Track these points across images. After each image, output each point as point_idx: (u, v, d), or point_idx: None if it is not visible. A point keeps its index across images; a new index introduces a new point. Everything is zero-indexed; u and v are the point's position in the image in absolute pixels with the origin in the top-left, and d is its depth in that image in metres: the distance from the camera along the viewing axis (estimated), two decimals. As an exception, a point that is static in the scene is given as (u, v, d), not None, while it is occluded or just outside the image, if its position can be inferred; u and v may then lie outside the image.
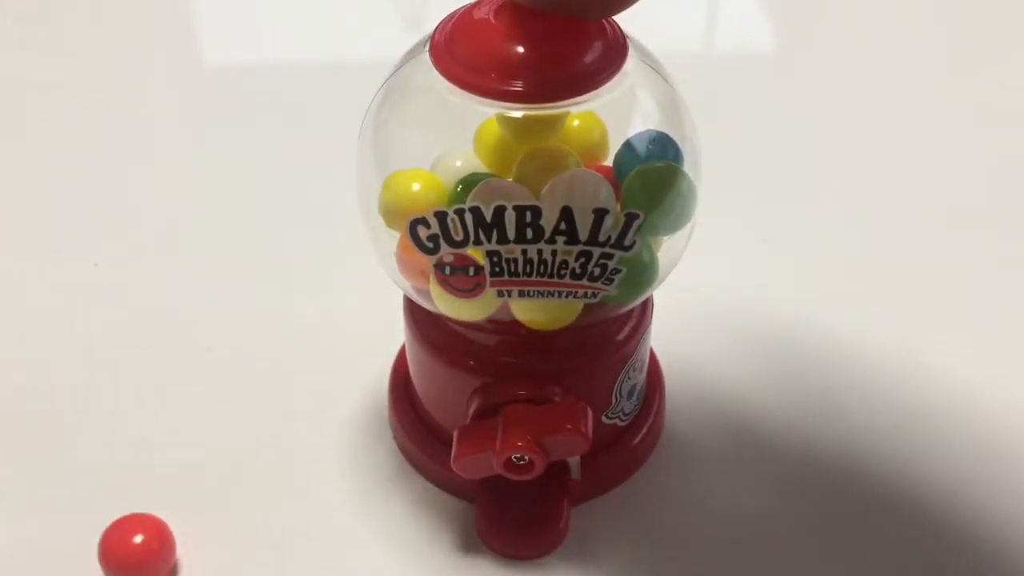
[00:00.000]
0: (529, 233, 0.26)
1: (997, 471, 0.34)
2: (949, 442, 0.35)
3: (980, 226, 0.44)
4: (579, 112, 0.29)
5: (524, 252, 0.26)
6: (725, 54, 0.58)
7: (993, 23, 0.57)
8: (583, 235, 0.26)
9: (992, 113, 0.51)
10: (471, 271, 0.27)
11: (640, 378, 0.33)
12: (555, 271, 0.27)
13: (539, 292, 0.27)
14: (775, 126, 0.50)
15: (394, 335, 0.34)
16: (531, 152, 0.28)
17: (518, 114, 0.27)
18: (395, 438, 0.35)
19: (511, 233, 0.26)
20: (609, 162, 0.30)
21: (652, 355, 0.36)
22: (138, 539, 0.30)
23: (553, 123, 0.28)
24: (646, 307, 0.32)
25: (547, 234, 0.26)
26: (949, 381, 0.37)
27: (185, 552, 0.32)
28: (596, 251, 0.26)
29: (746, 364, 0.38)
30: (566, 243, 0.26)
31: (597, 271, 0.27)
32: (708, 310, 0.40)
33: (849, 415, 0.36)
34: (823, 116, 0.52)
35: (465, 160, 0.29)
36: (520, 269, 0.27)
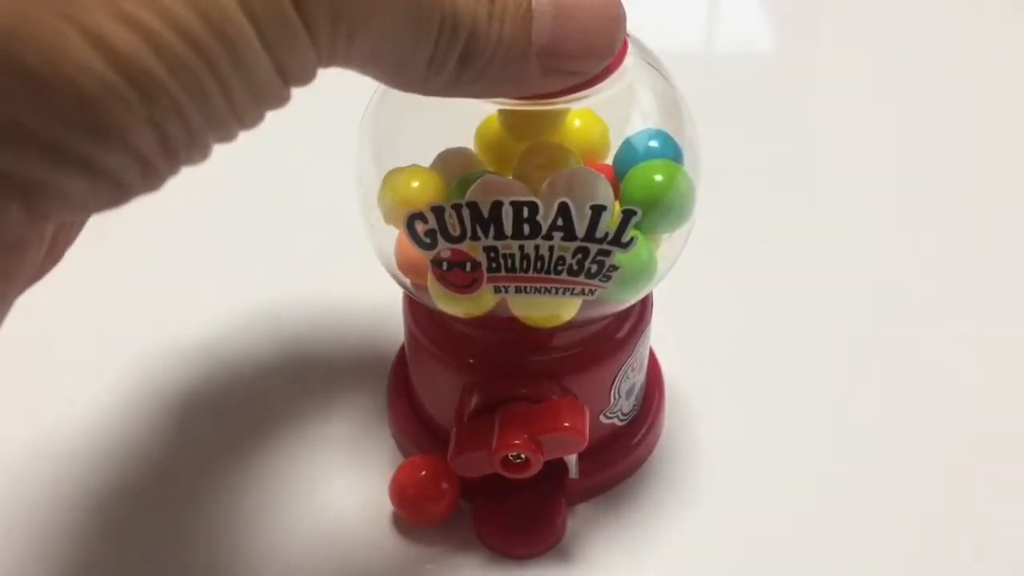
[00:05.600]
0: (526, 229, 0.26)
1: (1001, 470, 0.34)
2: (955, 439, 0.35)
3: (981, 224, 0.44)
4: (579, 110, 0.29)
5: (521, 248, 0.26)
6: (725, 54, 0.58)
7: (993, 21, 0.57)
8: (580, 231, 0.26)
9: (993, 111, 0.50)
10: (468, 267, 0.27)
11: (639, 378, 0.33)
12: (552, 267, 0.27)
13: (536, 288, 0.27)
14: (775, 125, 0.50)
15: (393, 332, 0.34)
16: (530, 148, 0.28)
17: (518, 110, 0.27)
18: (394, 436, 0.35)
19: (508, 229, 0.26)
20: (609, 160, 0.30)
21: (652, 355, 0.35)
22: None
23: (552, 120, 0.28)
24: (645, 305, 0.32)
25: (544, 230, 0.26)
26: (953, 379, 0.37)
27: (182, 550, 0.32)
28: (593, 248, 0.26)
29: (748, 365, 0.38)
30: (563, 239, 0.26)
31: (594, 268, 0.27)
32: (709, 310, 0.40)
33: (851, 414, 0.36)
34: (823, 115, 0.52)
35: (465, 157, 0.29)
36: (517, 265, 0.27)
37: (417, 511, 0.32)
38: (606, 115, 0.29)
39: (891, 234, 0.44)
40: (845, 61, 0.55)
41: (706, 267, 0.35)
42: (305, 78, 0.19)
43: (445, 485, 0.31)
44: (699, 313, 0.39)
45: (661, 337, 0.35)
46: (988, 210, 0.45)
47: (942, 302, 0.41)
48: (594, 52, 0.23)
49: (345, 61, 0.20)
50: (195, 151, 0.18)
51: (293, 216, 0.44)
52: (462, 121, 0.29)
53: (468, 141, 0.29)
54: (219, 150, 0.20)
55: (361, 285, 0.35)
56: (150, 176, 0.18)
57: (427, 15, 0.20)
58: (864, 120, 0.50)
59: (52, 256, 0.22)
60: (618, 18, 0.23)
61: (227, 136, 0.19)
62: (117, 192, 0.18)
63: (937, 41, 0.56)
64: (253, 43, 0.17)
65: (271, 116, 0.21)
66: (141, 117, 0.17)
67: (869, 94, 0.52)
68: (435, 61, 0.21)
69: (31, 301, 0.41)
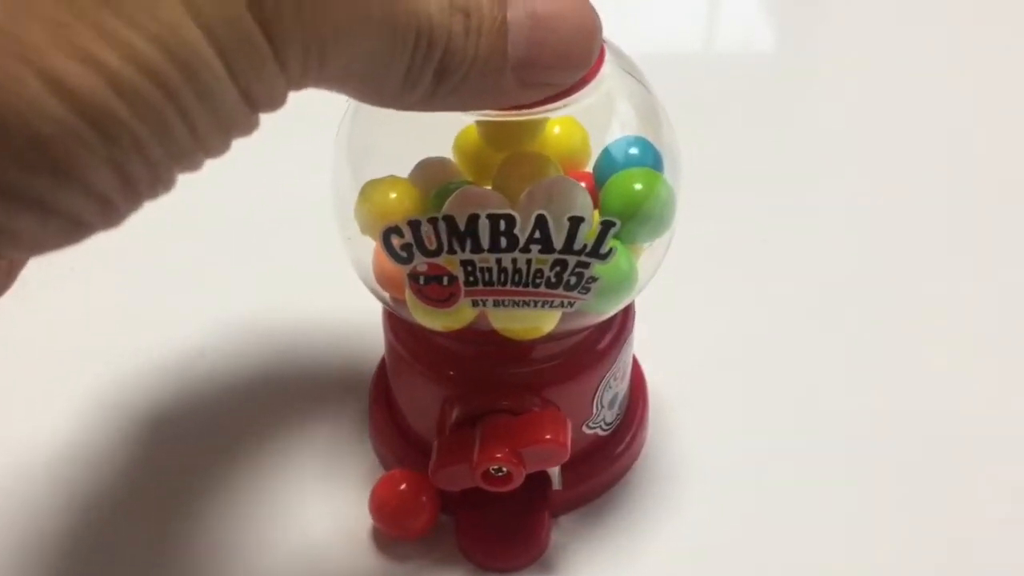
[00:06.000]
0: (503, 242, 0.26)
1: (998, 474, 0.34)
2: (954, 447, 0.35)
3: (982, 225, 0.44)
4: (559, 118, 0.29)
5: (499, 261, 0.26)
6: (725, 54, 0.57)
7: (995, 21, 0.56)
8: (558, 243, 0.26)
9: (995, 112, 0.50)
10: (445, 281, 0.26)
11: (622, 387, 0.33)
12: (530, 280, 0.26)
13: (514, 302, 0.27)
14: (775, 126, 0.50)
15: (375, 345, 0.34)
16: (509, 159, 0.28)
17: (496, 121, 0.26)
18: (375, 448, 0.35)
19: (485, 242, 0.25)
20: (590, 168, 0.29)
21: (635, 363, 0.35)
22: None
23: (531, 129, 0.28)
24: (627, 315, 0.32)
25: (521, 243, 0.26)
26: (946, 389, 0.37)
27: (158, 563, 0.31)
28: (572, 260, 0.26)
29: (732, 372, 0.38)
30: (541, 252, 0.26)
31: (573, 280, 0.26)
32: (693, 317, 0.39)
33: (837, 422, 0.36)
34: (824, 116, 0.51)
35: (444, 167, 0.29)
36: (495, 278, 0.26)
37: (397, 525, 0.31)
38: (585, 123, 0.29)
39: (892, 234, 0.43)
40: (845, 61, 0.54)
41: (706, 267, 0.35)
42: (274, 104, 0.19)
43: (425, 499, 0.31)
44: (683, 320, 0.39)
45: (644, 345, 0.34)
46: (990, 210, 0.44)
47: (945, 303, 0.40)
48: (571, 64, 0.23)
49: (316, 82, 0.19)
50: (158, 186, 0.18)
51: (273, 226, 0.44)
52: (440, 131, 0.29)
53: (447, 151, 0.29)
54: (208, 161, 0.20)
55: (343, 297, 0.35)
56: (110, 214, 0.18)
57: (402, 32, 0.19)
58: (864, 121, 0.50)
59: (8, 280, 0.21)
60: (594, 30, 0.23)
61: (192, 167, 0.18)
62: (74, 231, 0.17)
63: (937, 41, 0.55)
64: (219, 74, 0.17)
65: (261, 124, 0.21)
66: (101, 157, 0.16)
67: (869, 94, 0.51)
68: (410, 77, 0.20)
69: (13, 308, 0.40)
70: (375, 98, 0.21)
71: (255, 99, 0.18)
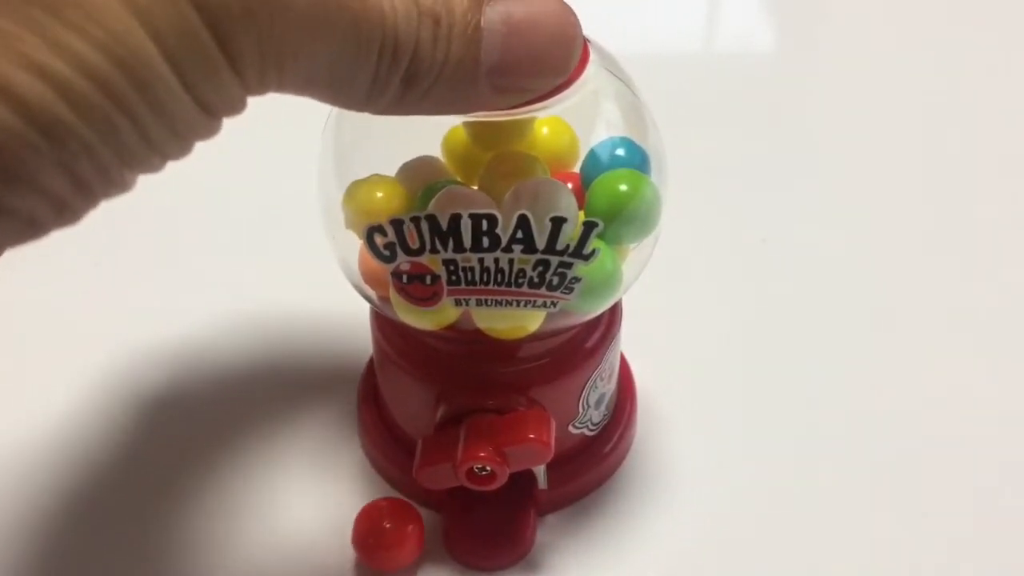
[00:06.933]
0: (485, 242, 0.26)
1: (1002, 476, 0.34)
2: (955, 448, 0.35)
3: (981, 226, 0.44)
4: (547, 118, 0.29)
5: (481, 261, 0.26)
6: (725, 54, 0.57)
7: (996, 22, 0.56)
8: (540, 244, 0.26)
9: (995, 112, 0.50)
10: (428, 280, 0.26)
11: (609, 387, 0.33)
12: (512, 280, 0.26)
13: (497, 301, 0.27)
14: (775, 126, 0.50)
15: (363, 344, 0.34)
16: (495, 158, 0.28)
17: (483, 121, 0.26)
18: (363, 448, 0.35)
19: (467, 241, 0.26)
20: (578, 168, 0.29)
21: (624, 363, 0.35)
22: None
23: (518, 129, 0.28)
24: (614, 314, 0.32)
25: (503, 242, 0.26)
26: (953, 386, 0.37)
27: (149, 552, 0.31)
28: (554, 260, 0.26)
29: (723, 372, 0.38)
30: (523, 252, 0.26)
31: (555, 280, 0.26)
32: (683, 315, 0.39)
33: (825, 422, 0.36)
34: (824, 116, 0.51)
35: (432, 166, 0.29)
36: (477, 278, 0.26)
37: (381, 559, 0.31)
38: (570, 124, 0.29)
39: (892, 235, 0.43)
40: (845, 61, 0.54)
41: (683, 272, 0.35)
42: (233, 110, 0.19)
43: (411, 528, 0.31)
44: (673, 320, 0.39)
45: (634, 345, 0.34)
46: (990, 210, 0.44)
47: (944, 304, 0.40)
48: (547, 71, 0.23)
49: (278, 88, 0.19)
50: (112, 187, 0.18)
51: (261, 226, 0.44)
52: (429, 130, 0.29)
53: (435, 150, 0.29)
54: (195, 158, 0.20)
55: (331, 296, 0.35)
56: (64, 213, 0.18)
57: (365, 40, 0.19)
58: (864, 120, 0.50)
59: None
60: (573, 36, 0.23)
61: (150, 169, 0.18)
62: (30, 230, 0.18)
63: (937, 41, 0.55)
64: (171, 84, 0.17)
65: (253, 123, 0.21)
66: (50, 161, 0.16)
67: (869, 94, 0.51)
68: (377, 84, 0.20)
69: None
70: (343, 103, 0.21)
71: (212, 107, 0.18)
